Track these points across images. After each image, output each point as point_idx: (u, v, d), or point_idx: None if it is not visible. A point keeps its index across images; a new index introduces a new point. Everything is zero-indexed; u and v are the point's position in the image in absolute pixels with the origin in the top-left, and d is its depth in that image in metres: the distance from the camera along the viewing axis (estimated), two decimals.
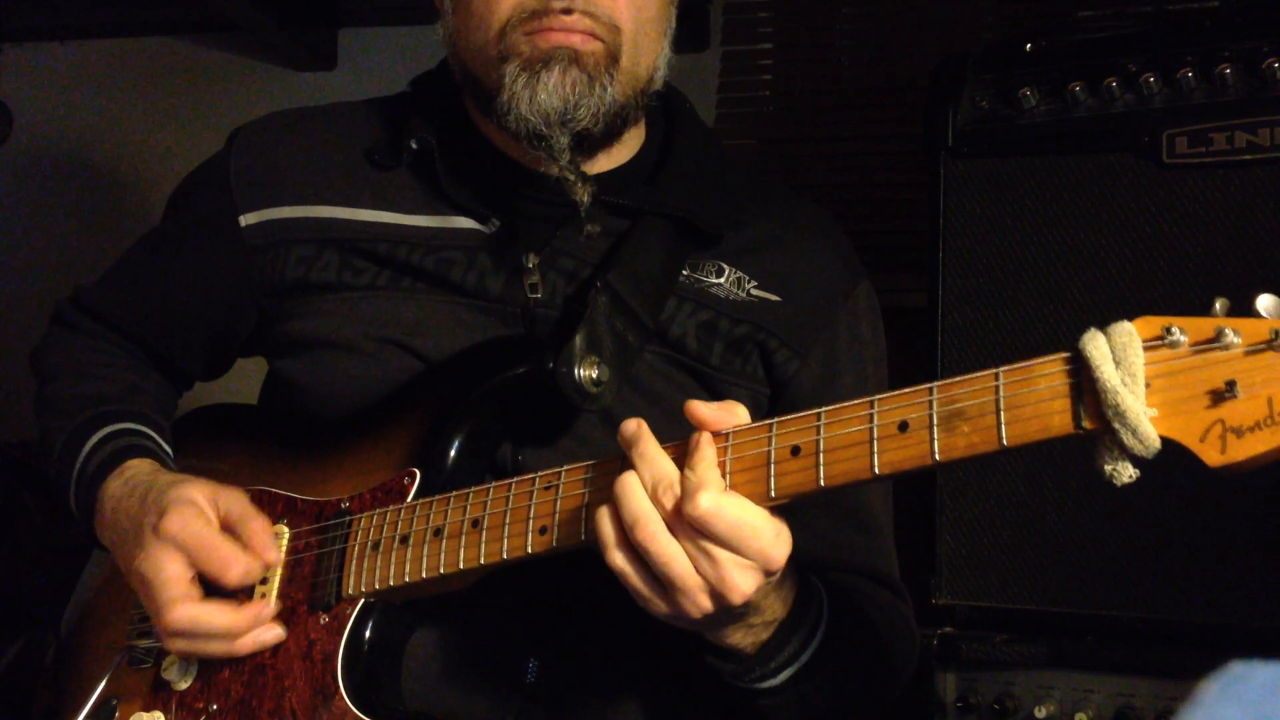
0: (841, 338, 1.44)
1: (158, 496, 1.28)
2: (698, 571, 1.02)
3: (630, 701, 1.34)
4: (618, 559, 1.05)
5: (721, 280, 1.40)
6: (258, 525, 1.28)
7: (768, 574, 1.04)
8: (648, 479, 1.03)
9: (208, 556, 1.24)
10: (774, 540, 1.03)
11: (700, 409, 1.06)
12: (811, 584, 1.20)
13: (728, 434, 1.05)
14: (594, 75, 1.30)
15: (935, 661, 1.68)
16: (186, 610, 1.22)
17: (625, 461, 1.06)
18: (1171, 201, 1.63)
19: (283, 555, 1.29)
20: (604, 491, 1.08)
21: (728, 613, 1.06)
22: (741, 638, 1.14)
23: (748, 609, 1.08)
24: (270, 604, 1.26)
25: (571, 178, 1.31)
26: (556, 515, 1.12)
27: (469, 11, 1.35)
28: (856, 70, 3.19)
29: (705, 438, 1.04)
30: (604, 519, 1.05)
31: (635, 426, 1.07)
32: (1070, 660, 1.62)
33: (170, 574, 1.23)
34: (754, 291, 1.40)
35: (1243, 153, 1.59)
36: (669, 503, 1.02)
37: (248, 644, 1.24)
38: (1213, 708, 0.60)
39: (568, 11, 1.29)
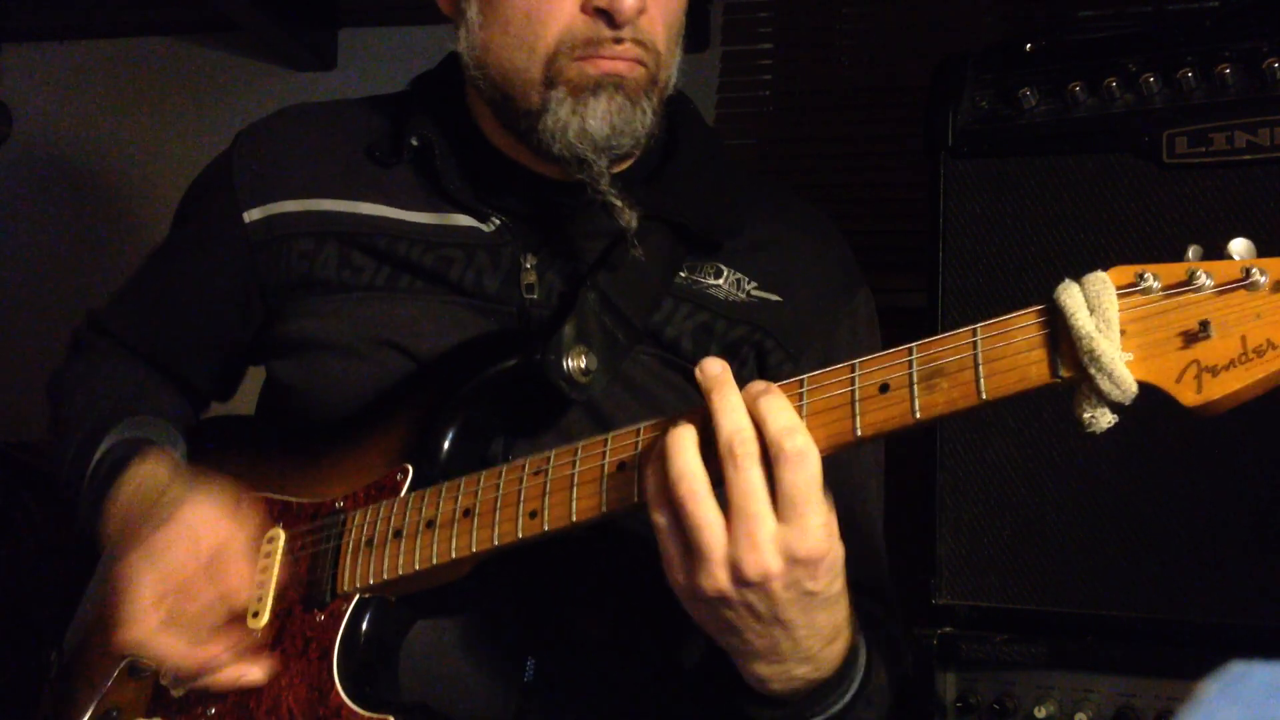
0: (841, 342, 1.43)
1: (174, 495, 1.26)
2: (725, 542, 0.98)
3: (628, 702, 1.34)
4: (658, 517, 1.01)
5: (720, 282, 1.39)
6: (237, 570, 1.25)
7: (790, 560, 0.97)
8: (727, 427, 0.99)
9: (176, 585, 1.21)
10: (824, 526, 0.98)
11: (714, 365, 1.03)
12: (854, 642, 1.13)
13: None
14: (635, 100, 1.30)
15: (935, 661, 1.67)
16: (139, 635, 1.20)
17: (677, 416, 1.03)
18: (1171, 201, 1.63)
19: (277, 563, 1.28)
20: (592, 473, 1.08)
21: (739, 603, 1.00)
22: (771, 672, 1.07)
23: (770, 623, 1.01)
24: (220, 650, 1.23)
25: (619, 204, 1.30)
26: (546, 499, 1.11)
27: (506, 30, 1.31)
28: (856, 70, 3.19)
29: (771, 386, 1.02)
30: (650, 473, 1.02)
31: (721, 369, 1.03)
32: (1070, 660, 1.62)
33: (138, 591, 1.21)
34: (754, 292, 1.40)
35: (1243, 153, 1.59)
36: (749, 449, 0.98)
37: (227, 680, 1.23)
38: (1213, 708, 0.60)
39: (619, 41, 1.28)
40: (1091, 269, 1.64)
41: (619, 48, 1.28)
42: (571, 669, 1.31)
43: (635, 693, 1.35)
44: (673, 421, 1.04)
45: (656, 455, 1.02)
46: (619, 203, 1.30)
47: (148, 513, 1.27)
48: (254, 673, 1.23)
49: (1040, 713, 1.62)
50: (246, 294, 1.46)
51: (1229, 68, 1.60)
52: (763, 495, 0.97)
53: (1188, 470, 1.57)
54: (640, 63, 1.30)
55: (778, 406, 0.99)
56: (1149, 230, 1.64)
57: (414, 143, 1.41)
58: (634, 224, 1.31)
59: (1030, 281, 1.70)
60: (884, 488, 1.47)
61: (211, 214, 1.50)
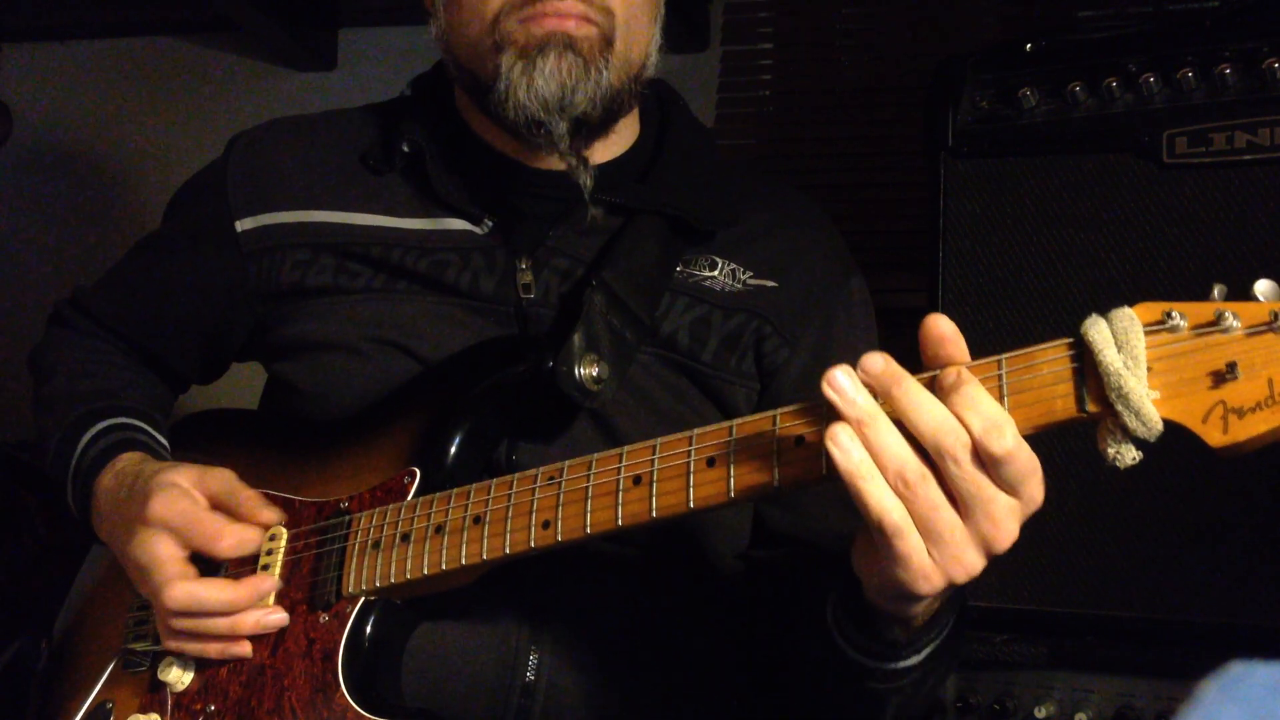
0: (838, 326, 1.44)
1: (143, 485, 1.28)
2: (964, 523, 0.93)
3: (630, 701, 1.34)
4: (884, 502, 0.92)
5: (715, 273, 1.40)
6: (246, 495, 1.27)
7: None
8: (929, 424, 0.91)
9: (196, 531, 1.24)
10: (1040, 486, 0.94)
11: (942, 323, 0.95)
12: None
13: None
14: (589, 60, 1.31)
15: None
16: (183, 588, 1.22)
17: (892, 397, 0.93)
18: (1171, 201, 1.63)
19: (279, 561, 1.29)
20: (607, 486, 1.08)
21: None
22: (922, 606, 1.04)
23: None
24: (272, 578, 1.25)
25: (574, 162, 1.32)
26: (560, 509, 1.11)
27: (460, 5, 1.36)
28: (856, 70, 3.19)
29: (964, 372, 0.93)
30: (877, 485, 0.92)
31: (884, 362, 0.95)
32: (1070, 660, 1.62)
33: (162, 555, 1.23)
34: (750, 281, 1.41)
35: (1243, 153, 1.59)
36: (961, 438, 0.90)
37: (250, 624, 1.23)
38: (1213, 708, 0.60)
39: None
40: (1091, 269, 1.66)
41: (561, 4, 1.29)
42: (573, 669, 1.31)
43: (636, 693, 1.35)
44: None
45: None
46: (574, 161, 1.32)
47: (129, 498, 1.29)
48: (276, 617, 1.24)
49: (1040, 713, 1.62)
50: (234, 299, 1.47)
51: (1229, 68, 1.60)
52: (987, 480, 0.91)
53: (1188, 470, 1.57)
54: (588, 19, 1.31)
55: (974, 398, 0.91)
56: (1149, 230, 1.64)
57: (405, 149, 1.42)
58: (590, 183, 1.32)
59: (1030, 281, 1.70)
60: None
61: (203, 217, 1.51)
